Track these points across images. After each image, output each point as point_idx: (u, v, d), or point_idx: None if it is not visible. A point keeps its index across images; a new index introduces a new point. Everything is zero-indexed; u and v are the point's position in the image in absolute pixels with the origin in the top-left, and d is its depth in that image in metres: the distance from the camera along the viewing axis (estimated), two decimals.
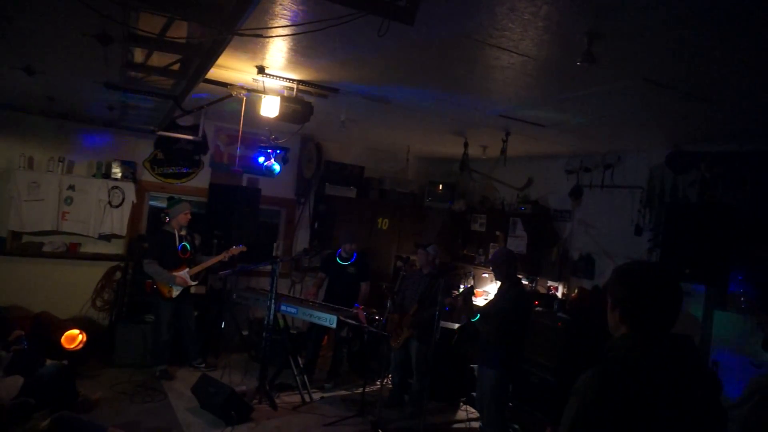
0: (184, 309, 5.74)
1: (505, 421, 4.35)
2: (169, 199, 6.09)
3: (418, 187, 7.96)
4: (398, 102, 4.53)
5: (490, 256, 4.84)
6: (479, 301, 6.58)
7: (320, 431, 4.74)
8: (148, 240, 6.08)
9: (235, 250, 5.74)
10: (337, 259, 6.00)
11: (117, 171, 6.38)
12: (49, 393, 4.17)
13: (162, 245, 5.60)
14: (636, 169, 5.43)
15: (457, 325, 5.96)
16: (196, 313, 5.97)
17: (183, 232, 5.73)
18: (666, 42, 2.56)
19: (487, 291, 7.00)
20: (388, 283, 6.50)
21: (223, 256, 5.72)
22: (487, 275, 7.12)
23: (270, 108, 4.05)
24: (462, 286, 6.36)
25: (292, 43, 3.21)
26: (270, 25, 2.75)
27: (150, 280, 5.62)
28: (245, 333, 6.67)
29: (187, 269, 5.65)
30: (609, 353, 1.58)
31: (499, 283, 4.46)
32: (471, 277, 6.99)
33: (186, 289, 5.68)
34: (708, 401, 1.54)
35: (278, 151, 5.36)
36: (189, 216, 5.70)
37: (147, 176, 6.65)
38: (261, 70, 3.80)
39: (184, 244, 5.70)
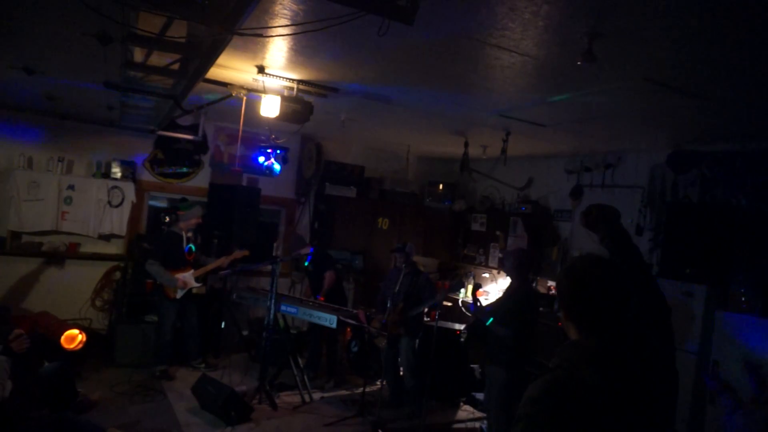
0: (188, 309, 5.74)
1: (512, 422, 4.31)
2: (182, 200, 6.07)
3: (418, 187, 7.95)
4: (398, 102, 4.52)
5: (506, 253, 4.80)
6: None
7: (320, 431, 4.74)
8: (154, 240, 6.06)
9: (238, 254, 5.76)
10: (304, 264, 6.05)
11: (117, 171, 6.37)
12: (49, 393, 4.16)
13: (169, 246, 5.60)
14: (636, 169, 5.42)
15: (459, 326, 5.95)
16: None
17: (189, 234, 5.74)
18: (666, 42, 2.56)
19: (487, 291, 6.98)
20: None
21: (223, 261, 5.73)
22: (487, 275, 7.11)
23: (270, 108, 4.05)
24: (462, 288, 6.35)
25: (292, 43, 3.21)
26: (270, 25, 2.75)
27: (151, 280, 5.62)
28: (245, 333, 6.66)
29: (192, 271, 5.66)
30: (551, 365, 1.47)
31: (500, 283, 4.45)
32: (471, 278, 6.97)
33: (189, 290, 5.68)
34: (653, 413, 1.45)
35: (278, 151, 5.35)
36: (200, 221, 5.74)
37: (147, 176, 6.65)
38: (261, 69, 3.80)
39: (190, 246, 5.72)
